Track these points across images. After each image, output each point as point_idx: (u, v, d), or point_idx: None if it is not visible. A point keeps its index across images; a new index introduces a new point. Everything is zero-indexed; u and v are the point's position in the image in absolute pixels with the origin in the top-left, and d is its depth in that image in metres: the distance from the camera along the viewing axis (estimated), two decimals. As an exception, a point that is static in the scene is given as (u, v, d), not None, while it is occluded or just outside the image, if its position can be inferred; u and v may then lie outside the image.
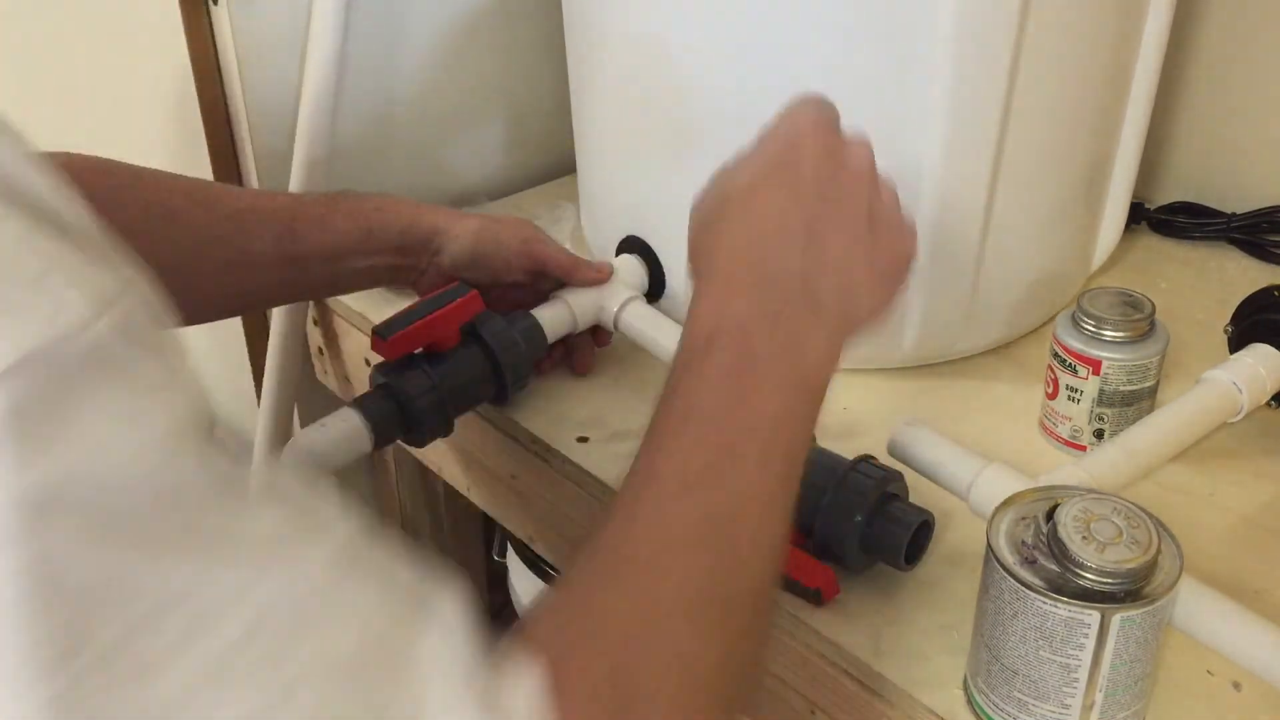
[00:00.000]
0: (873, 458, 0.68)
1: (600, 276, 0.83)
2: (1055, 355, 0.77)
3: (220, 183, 0.80)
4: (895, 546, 0.65)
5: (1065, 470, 0.66)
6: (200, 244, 0.74)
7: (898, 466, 0.67)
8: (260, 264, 0.75)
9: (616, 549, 0.46)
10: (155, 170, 0.76)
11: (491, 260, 0.81)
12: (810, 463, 0.65)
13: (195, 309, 0.76)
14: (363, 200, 0.78)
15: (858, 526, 0.64)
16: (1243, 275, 0.99)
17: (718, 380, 0.50)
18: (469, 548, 1.16)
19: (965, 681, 0.60)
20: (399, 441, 0.81)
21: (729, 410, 0.49)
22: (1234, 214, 1.03)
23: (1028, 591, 0.53)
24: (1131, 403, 0.76)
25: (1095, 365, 0.75)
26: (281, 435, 1.05)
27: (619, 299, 0.85)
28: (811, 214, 0.54)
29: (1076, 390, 0.76)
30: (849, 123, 0.58)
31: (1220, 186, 1.05)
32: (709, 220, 0.56)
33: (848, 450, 0.69)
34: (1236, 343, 0.81)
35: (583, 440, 0.81)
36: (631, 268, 0.90)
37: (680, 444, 0.49)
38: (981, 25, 0.73)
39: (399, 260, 0.79)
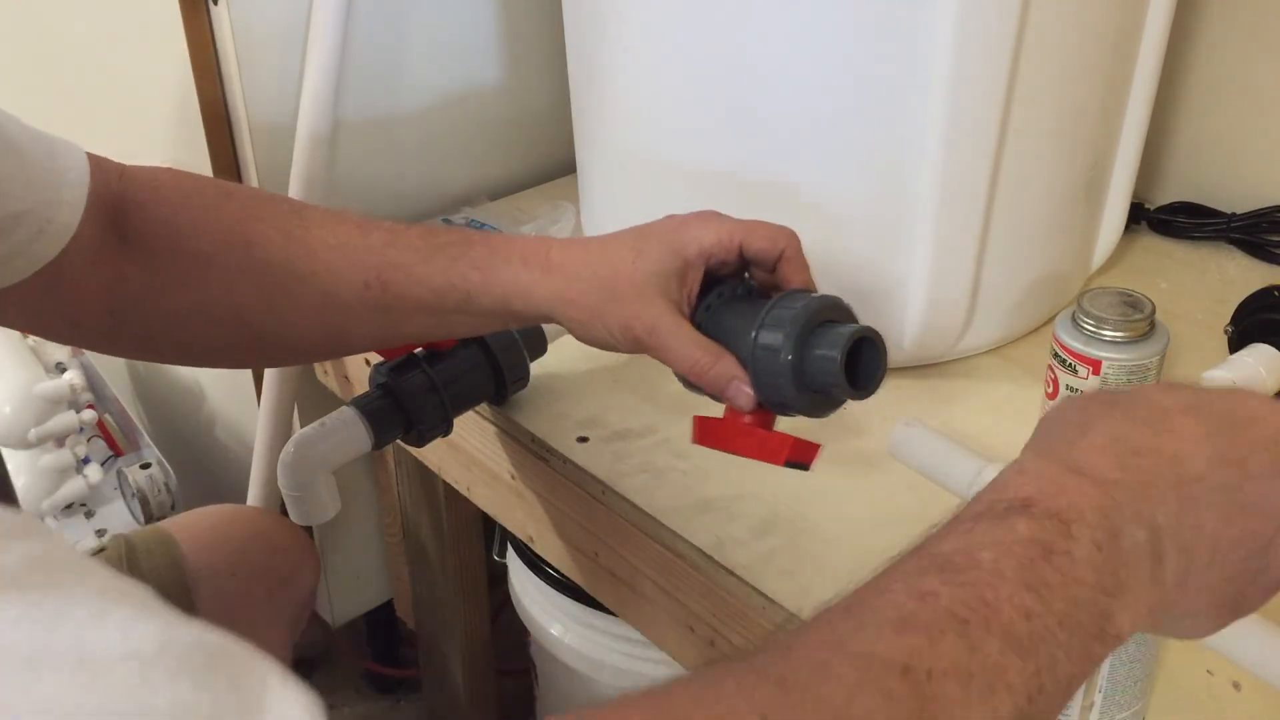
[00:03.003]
0: (806, 290, 0.61)
1: (738, 400, 0.61)
2: (1055, 355, 0.77)
3: (320, 209, 0.68)
4: (831, 374, 0.57)
5: (1065, 470, 0.66)
6: (282, 281, 0.65)
7: (837, 294, 0.61)
8: (349, 310, 0.66)
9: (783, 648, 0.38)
10: (250, 191, 0.69)
11: (599, 345, 0.64)
12: (737, 314, 0.60)
13: (289, 349, 0.71)
14: (463, 252, 0.64)
15: (787, 365, 0.57)
16: (1243, 275, 0.99)
17: (1009, 544, 0.40)
18: (469, 548, 1.16)
19: (965, 681, 0.60)
20: (399, 441, 0.81)
21: (1003, 578, 0.39)
22: (1234, 214, 1.03)
23: (1028, 591, 0.52)
24: (1131, 403, 0.76)
25: (1095, 365, 0.75)
26: (281, 435, 1.05)
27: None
28: (1218, 479, 0.43)
29: (1076, 390, 0.76)
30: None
31: (1220, 186, 1.05)
32: (1098, 403, 0.46)
33: (847, 447, 0.68)
34: (1236, 343, 0.81)
35: (583, 440, 0.81)
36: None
37: (919, 584, 0.40)
38: (982, 25, 0.73)
39: (512, 323, 0.69)
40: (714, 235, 0.61)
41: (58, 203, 0.61)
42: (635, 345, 0.61)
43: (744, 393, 0.59)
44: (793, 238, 0.62)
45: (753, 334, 0.58)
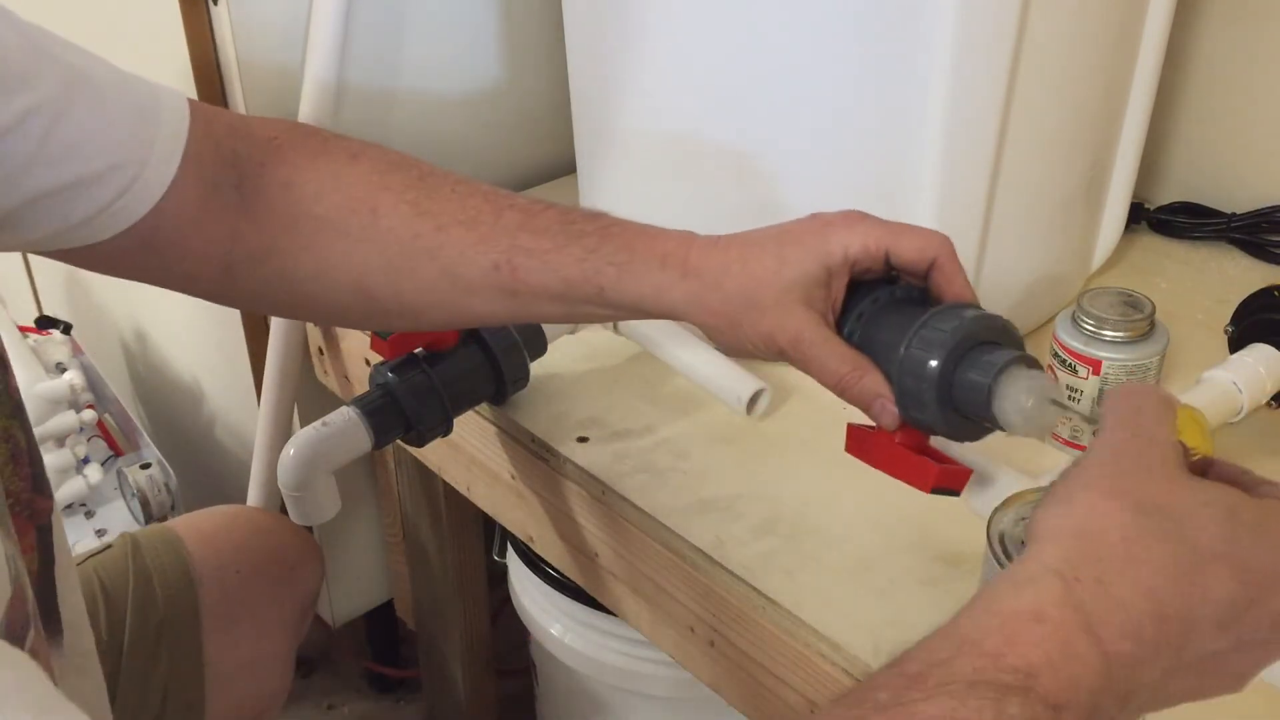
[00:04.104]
0: (966, 305, 0.56)
1: (883, 419, 0.58)
2: (1055, 355, 0.77)
3: (451, 177, 0.65)
4: (978, 402, 0.53)
5: (1065, 470, 0.66)
6: (407, 253, 0.63)
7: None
8: (474, 289, 0.63)
9: None
10: (377, 152, 0.66)
11: (735, 354, 0.63)
12: (889, 325, 0.57)
13: (409, 316, 0.68)
14: (599, 244, 0.61)
15: (933, 387, 0.54)
16: (1243, 275, 0.99)
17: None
18: (469, 548, 1.16)
19: (965, 681, 0.60)
20: (399, 441, 0.81)
21: None
22: (1234, 214, 1.03)
23: (1028, 591, 0.52)
24: (1131, 403, 0.75)
25: (1095, 365, 0.75)
26: (281, 435, 1.05)
27: (619, 299, 0.85)
28: (1217, 650, 0.43)
29: (1077, 390, 0.76)
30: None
31: (1220, 186, 1.05)
32: (1158, 523, 0.44)
33: (846, 453, 0.68)
34: (1236, 343, 0.81)
35: (583, 440, 0.81)
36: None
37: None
38: (982, 25, 0.73)
39: (644, 317, 0.64)
40: (860, 241, 0.57)
41: (146, 160, 0.59)
42: (778, 355, 0.59)
43: (889, 411, 0.56)
44: (944, 244, 0.58)
45: (901, 349, 0.55)
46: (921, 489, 0.57)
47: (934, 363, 0.54)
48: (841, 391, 0.57)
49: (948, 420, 0.55)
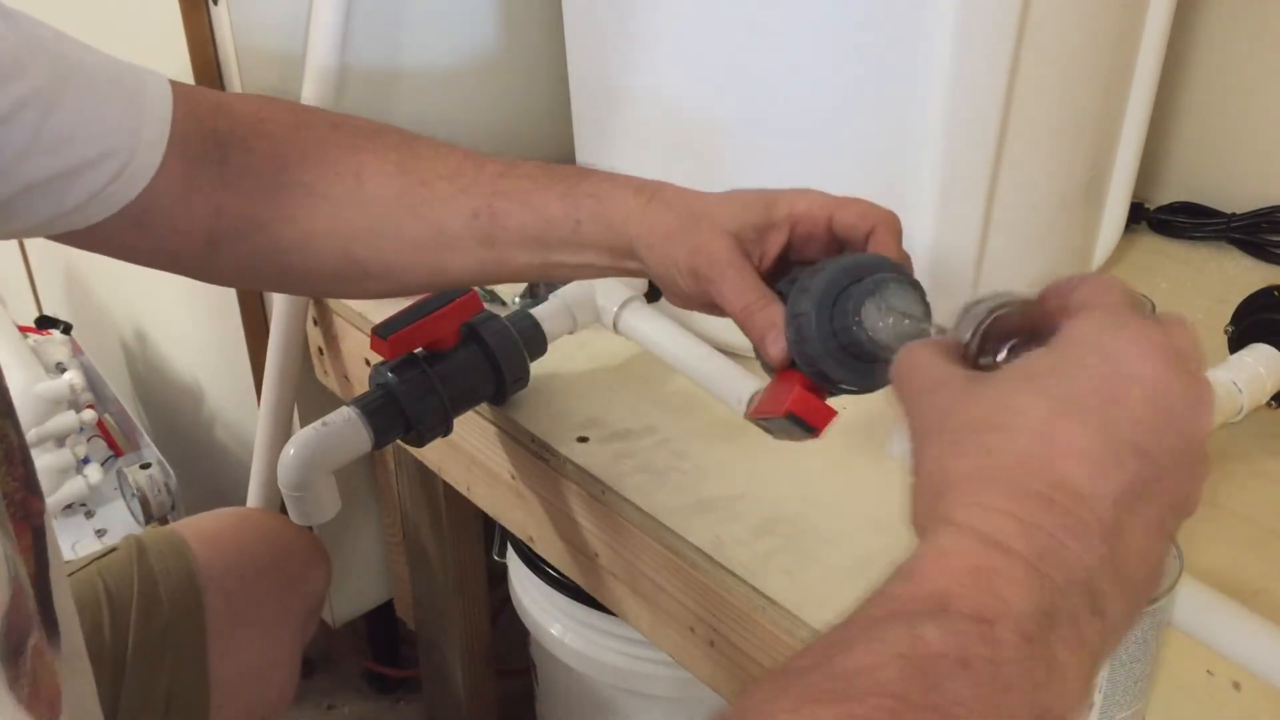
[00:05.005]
0: (850, 255, 0.56)
1: (770, 348, 0.56)
2: (1055, 355, 0.77)
3: (431, 140, 0.68)
4: (862, 335, 0.52)
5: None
6: (391, 213, 0.64)
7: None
8: (455, 242, 0.64)
9: None
10: (359, 121, 0.68)
11: (669, 286, 0.62)
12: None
13: (391, 280, 0.68)
14: (577, 183, 0.63)
15: (814, 333, 0.53)
16: (1243, 275, 0.99)
17: (917, 659, 0.35)
18: (469, 548, 1.16)
19: (965, 681, 0.60)
20: (399, 441, 0.81)
21: (909, 703, 0.35)
22: (1234, 214, 1.03)
23: (1028, 591, 0.52)
24: (1131, 403, 0.75)
25: (1095, 365, 0.75)
26: (281, 435, 1.05)
27: (619, 299, 0.85)
28: (1123, 486, 0.39)
29: (1076, 390, 0.76)
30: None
31: (1220, 186, 1.06)
32: (970, 439, 0.41)
33: (848, 447, 0.68)
34: (1236, 343, 0.81)
35: (583, 440, 0.81)
36: (631, 268, 0.89)
37: (813, 713, 0.35)
38: (982, 25, 0.73)
39: (613, 263, 0.64)
40: (805, 204, 0.59)
41: (135, 146, 0.60)
42: (694, 278, 0.59)
43: (778, 343, 0.55)
44: (888, 216, 0.58)
45: (788, 305, 0.55)
46: (776, 413, 0.56)
47: (811, 307, 0.53)
48: (744, 321, 0.57)
49: (843, 365, 0.54)
